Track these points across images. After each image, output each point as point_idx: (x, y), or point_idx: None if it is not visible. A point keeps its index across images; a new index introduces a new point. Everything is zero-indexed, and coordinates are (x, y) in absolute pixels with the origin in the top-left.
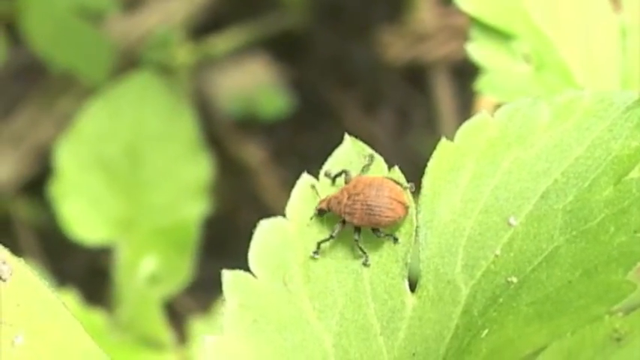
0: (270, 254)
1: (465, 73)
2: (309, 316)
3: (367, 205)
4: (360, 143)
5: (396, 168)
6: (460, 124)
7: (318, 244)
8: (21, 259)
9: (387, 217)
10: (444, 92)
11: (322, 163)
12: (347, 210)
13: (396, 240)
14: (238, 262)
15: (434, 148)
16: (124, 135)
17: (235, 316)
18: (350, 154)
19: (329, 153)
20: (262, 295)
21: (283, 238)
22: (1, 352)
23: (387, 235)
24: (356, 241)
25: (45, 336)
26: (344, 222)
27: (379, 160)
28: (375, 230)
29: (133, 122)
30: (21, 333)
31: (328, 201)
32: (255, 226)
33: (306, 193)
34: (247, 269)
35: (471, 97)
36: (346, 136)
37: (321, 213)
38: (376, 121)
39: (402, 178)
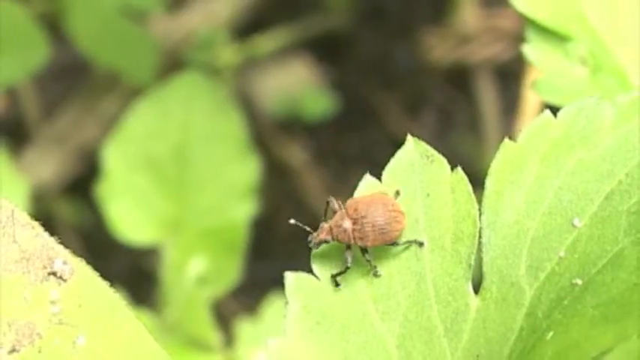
0: (332, 256)
1: (508, 74)
2: (372, 318)
3: (378, 225)
4: (423, 144)
5: (459, 169)
6: (503, 125)
7: (334, 278)
8: (82, 259)
9: (396, 230)
10: (486, 94)
11: (364, 165)
12: (357, 235)
13: (421, 244)
14: (281, 264)
15: (477, 149)
16: (172, 135)
17: (298, 318)
18: (412, 154)
19: (371, 154)
20: (325, 297)
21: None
22: (63, 353)
23: (406, 242)
24: (368, 261)
25: (107, 337)
26: (349, 247)
27: (442, 160)
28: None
29: (181, 122)
30: (82, 334)
31: (329, 231)
32: (297, 229)
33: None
34: (292, 271)
35: (514, 98)
36: (409, 137)
37: (318, 245)
38: (419, 122)
39: (465, 179)
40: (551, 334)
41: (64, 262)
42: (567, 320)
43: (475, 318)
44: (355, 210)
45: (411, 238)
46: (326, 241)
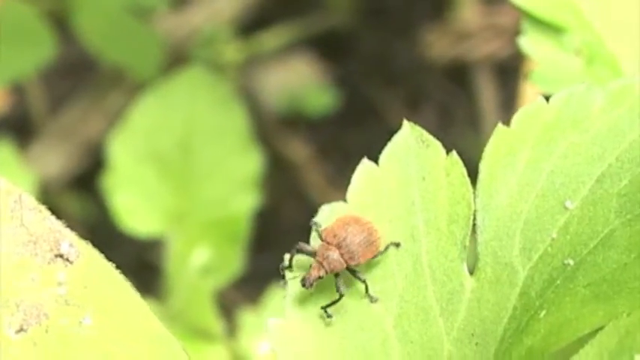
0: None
1: (507, 71)
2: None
3: (361, 240)
4: (419, 128)
5: (454, 152)
6: (502, 120)
7: (326, 309)
8: (88, 241)
9: (379, 237)
10: (486, 90)
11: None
12: (347, 257)
13: (398, 245)
14: (283, 256)
15: (476, 144)
16: (177, 128)
17: (297, 300)
18: (408, 139)
19: (372, 149)
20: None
21: None
22: (69, 333)
23: (385, 247)
24: (363, 281)
25: (113, 317)
26: (337, 275)
27: (437, 145)
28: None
29: (186, 116)
30: (88, 314)
31: (319, 266)
32: (299, 222)
33: (367, 177)
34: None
35: (513, 94)
36: (405, 122)
37: (312, 284)
38: (419, 118)
39: (459, 162)
40: (544, 312)
41: (71, 245)
42: (560, 299)
43: (470, 298)
44: (334, 236)
45: (408, 223)
46: (320, 277)
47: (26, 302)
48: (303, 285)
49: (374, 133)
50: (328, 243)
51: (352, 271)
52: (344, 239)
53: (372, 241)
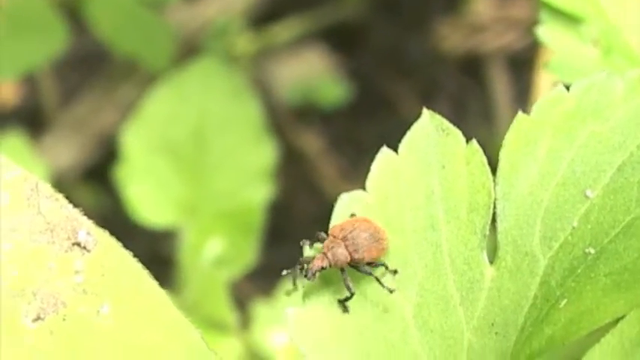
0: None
1: (520, 63)
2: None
3: (367, 235)
4: (438, 117)
5: (474, 141)
6: (515, 113)
7: (343, 303)
8: (105, 230)
9: (386, 238)
10: (499, 83)
11: (378, 151)
12: (351, 249)
13: (395, 272)
14: (296, 249)
15: (490, 136)
16: (190, 119)
17: (316, 289)
18: (428, 127)
19: (385, 141)
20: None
21: (363, 210)
22: (87, 321)
23: (382, 265)
24: (369, 273)
25: (131, 305)
26: (343, 270)
27: (457, 133)
28: (370, 264)
29: (199, 107)
30: (106, 302)
31: (323, 257)
32: (311, 214)
33: (386, 166)
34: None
35: (527, 87)
36: (424, 110)
37: (315, 275)
38: (432, 110)
39: (479, 151)
40: (564, 302)
41: (88, 233)
42: (580, 288)
43: (490, 287)
44: (342, 229)
45: (428, 211)
46: (323, 268)
47: (43, 291)
48: (306, 276)
49: (387, 125)
50: (334, 237)
51: (357, 268)
52: (350, 232)
53: (379, 238)
